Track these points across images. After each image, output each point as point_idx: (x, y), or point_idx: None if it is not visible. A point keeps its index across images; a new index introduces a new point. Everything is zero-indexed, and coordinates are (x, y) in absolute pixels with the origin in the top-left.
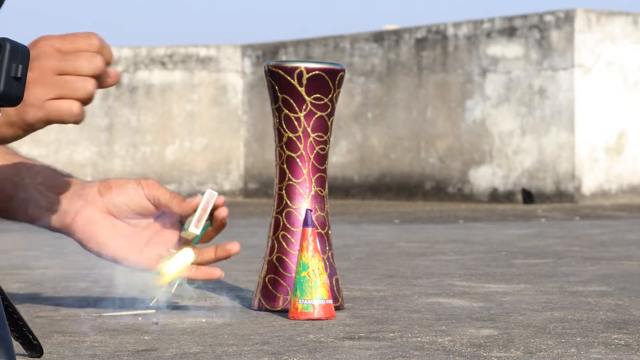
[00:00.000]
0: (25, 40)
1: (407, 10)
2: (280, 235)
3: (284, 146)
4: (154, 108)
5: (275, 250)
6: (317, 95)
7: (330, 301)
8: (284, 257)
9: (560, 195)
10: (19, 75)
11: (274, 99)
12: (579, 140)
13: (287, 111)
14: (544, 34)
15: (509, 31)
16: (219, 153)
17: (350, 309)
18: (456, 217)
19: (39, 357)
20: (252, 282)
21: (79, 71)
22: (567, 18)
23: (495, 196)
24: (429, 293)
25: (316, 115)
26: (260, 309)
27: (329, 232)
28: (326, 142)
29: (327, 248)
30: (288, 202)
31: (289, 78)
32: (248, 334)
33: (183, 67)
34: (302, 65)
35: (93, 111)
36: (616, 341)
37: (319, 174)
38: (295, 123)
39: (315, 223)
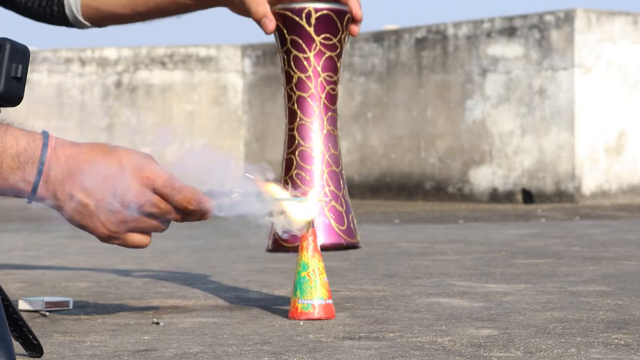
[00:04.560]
0: (26, 41)
1: (407, 10)
2: (294, 175)
3: (294, 87)
4: (154, 108)
5: (290, 189)
6: (326, 35)
7: (330, 301)
8: (299, 195)
9: (560, 195)
10: (19, 75)
11: (282, 42)
12: (579, 140)
13: (296, 52)
14: (544, 34)
15: (509, 31)
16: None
17: (350, 309)
18: (456, 217)
19: (39, 357)
20: (252, 282)
21: (171, 219)
22: (567, 18)
23: (495, 196)
24: (429, 293)
25: (326, 55)
26: (275, 249)
27: (342, 171)
28: (336, 83)
29: (342, 186)
30: (301, 141)
31: (297, 19)
32: (248, 334)
33: (183, 67)
34: (311, 6)
35: (93, 111)
36: (616, 341)
37: (330, 114)
38: (305, 63)
39: (330, 161)
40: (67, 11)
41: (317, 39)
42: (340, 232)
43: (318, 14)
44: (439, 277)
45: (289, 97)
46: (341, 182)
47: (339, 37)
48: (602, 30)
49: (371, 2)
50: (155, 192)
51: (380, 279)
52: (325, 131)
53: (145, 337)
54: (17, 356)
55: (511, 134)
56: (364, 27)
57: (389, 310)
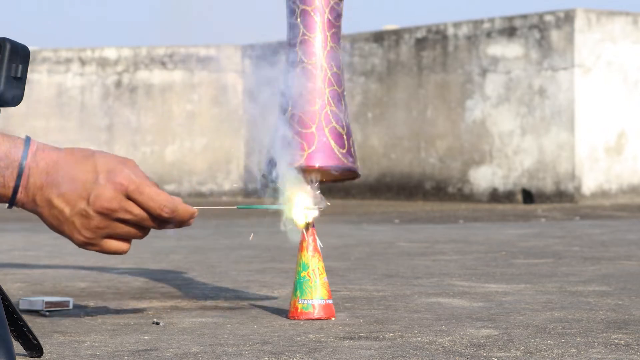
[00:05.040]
0: (26, 41)
1: (407, 10)
2: None
3: (298, 0)
4: (154, 108)
5: (290, 109)
6: None
7: (330, 301)
8: (300, 114)
9: (560, 195)
10: (18, 75)
11: None
12: (579, 140)
13: None
14: (544, 34)
15: (509, 31)
16: (219, 153)
17: (350, 309)
18: (456, 217)
19: (39, 357)
20: (252, 282)
21: (147, 226)
22: (567, 18)
23: (495, 196)
24: (429, 293)
25: None
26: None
27: (345, 92)
28: None
29: (344, 107)
30: (303, 58)
31: None
32: (248, 334)
33: (183, 67)
34: None
35: (93, 111)
36: (616, 341)
37: (333, 30)
38: None
39: (332, 80)
40: None
41: None
42: (340, 155)
43: None
44: (439, 277)
45: (292, 11)
46: (342, 103)
47: None
48: (602, 30)
49: (371, 2)
50: (129, 197)
51: (380, 279)
52: (328, 47)
53: (145, 337)
54: (17, 356)
55: (511, 134)
56: (364, 27)
57: (389, 310)
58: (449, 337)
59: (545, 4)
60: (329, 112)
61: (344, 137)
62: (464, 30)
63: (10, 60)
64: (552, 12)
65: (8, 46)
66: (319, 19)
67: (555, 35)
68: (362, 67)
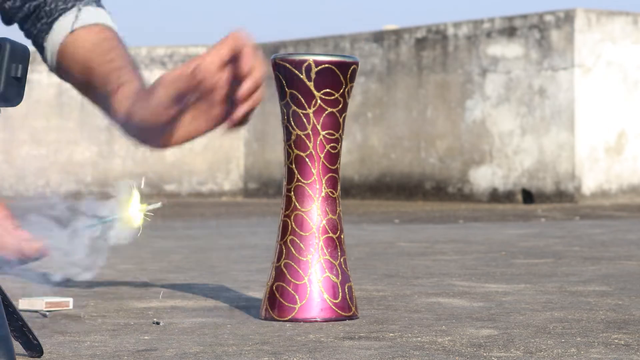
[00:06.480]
0: (25, 41)
1: (407, 10)
2: (288, 240)
3: (293, 144)
4: None
5: (284, 256)
6: (327, 90)
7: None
8: (293, 264)
9: (560, 195)
10: (19, 75)
11: (282, 95)
12: (579, 140)
13: (295, 107)
14: (544, 34)
15: (509, 31)
16: (219, 153)
17: None
18: (456, 217)
19: (39, 357)
20: (252, 282)
21: None
22: (567, 18)
23: (495, 196)
24: (429, 293)
25: (326, 112)
26: (267, 318)
27: (342, 236)
28: (337, 141)
29: (339, 254)
30: (297, 204)
31: (296, 72)
32: (248, 334)
33: None
34: (311, 58)
35: (93, 111)
36: (616, 341)
37: (329, 174)
38: (304, 120)
39: (327, 227)
40: (48, 58)
41: (318, 94)
42: (333, 306)
43: (319, 67)
44: (439, 277)
45: (288, 155)
46: (338, 250)
47: (341, 91)
48: (602, 30)
49: (371, 2)
50: None
51: (380, 279)
52: (323, 194)
53: (145, 337)
54: (17, 356)
55: (511, 134)
56: (364, 27)
57: (389, 310)
58: (449, 337)
59: (545, 4)
60: (322, 261)
61: (338, 286)
62: (464, 30)
63: (10, 60)
64: (552, 12)
65: (8, 46)
66: (313, 164)
67: (555, 35)
68: (362, 67)
